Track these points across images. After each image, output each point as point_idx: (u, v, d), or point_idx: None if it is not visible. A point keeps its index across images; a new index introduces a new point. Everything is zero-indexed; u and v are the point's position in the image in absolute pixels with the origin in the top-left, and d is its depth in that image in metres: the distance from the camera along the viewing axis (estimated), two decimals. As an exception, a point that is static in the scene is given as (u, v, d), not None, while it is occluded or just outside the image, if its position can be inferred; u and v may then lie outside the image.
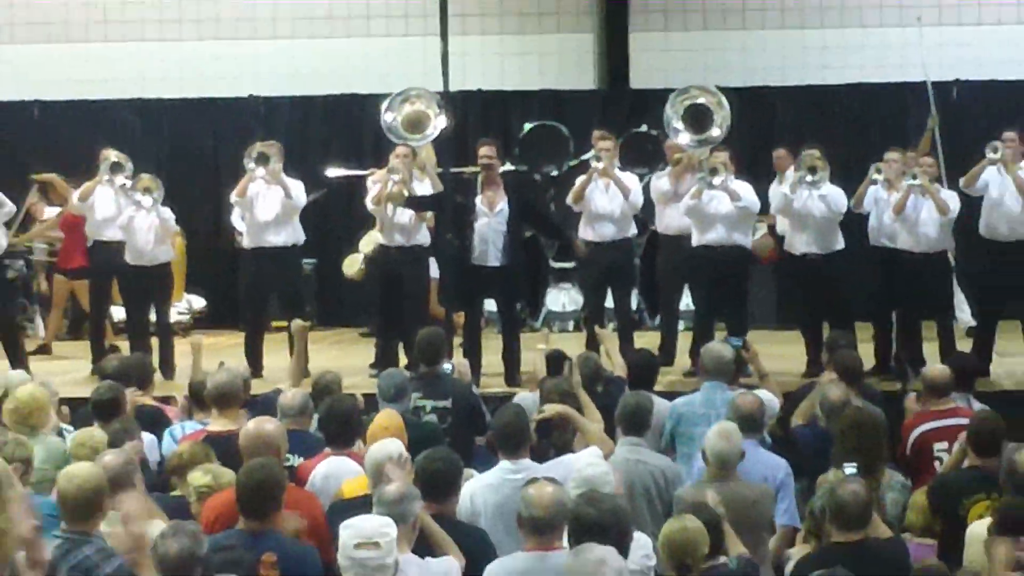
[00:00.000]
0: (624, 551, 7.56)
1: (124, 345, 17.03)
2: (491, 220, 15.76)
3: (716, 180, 15.62)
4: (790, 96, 20.69)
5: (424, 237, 16.30)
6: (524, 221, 16.19)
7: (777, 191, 16.51)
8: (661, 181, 16.69)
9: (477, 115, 20.38)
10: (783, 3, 21.15)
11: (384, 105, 15.96)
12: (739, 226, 15.80)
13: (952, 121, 18.83)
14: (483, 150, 16.11)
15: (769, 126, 20.23)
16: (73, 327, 20.05)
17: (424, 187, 16.19)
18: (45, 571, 6.58)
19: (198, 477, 9.63)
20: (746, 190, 15.82)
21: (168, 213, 16.66)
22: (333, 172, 19.45)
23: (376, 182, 16.22)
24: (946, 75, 20.10)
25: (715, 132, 16.06)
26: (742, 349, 13.08)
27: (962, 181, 15.93)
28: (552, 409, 11.00)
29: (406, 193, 15.64)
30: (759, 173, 17.09)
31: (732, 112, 16.04)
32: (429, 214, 16.18)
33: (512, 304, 16.50)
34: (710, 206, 15.72)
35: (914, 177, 15.54)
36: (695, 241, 15.92)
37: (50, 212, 19.70)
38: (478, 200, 15.74)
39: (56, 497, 8.33)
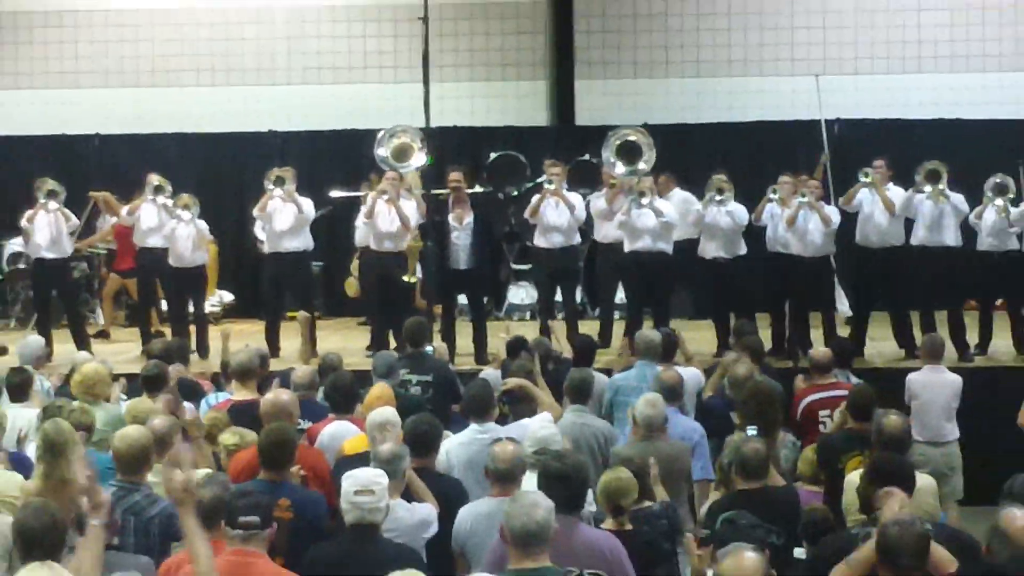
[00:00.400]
0: (582, 497, 7.61)
1: (167, 331, 16.99)
2: (460, 232, 15.89)
3: (644, 200, 15.64)
4: (704, 131, 20.58)
5: (405, 244, 16.21)
6: (487, 235, 16.27)
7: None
8: (599, 201, 16.72)
9: (452, 146, 20.26)
10: (699, 55, 21.09)
11: (377, 139, 15.95)
12: (662, 236, 15.76)
13: (833, 151, 18.89)
14: (452, 175, 16.26)
15: (687, 155, 20.21)
16: (128, 317, 20.00)
17: (410, 205, 16.16)
18: (107, 512, 6.59)
19: (227, 438, 9.67)
20: (668, 208, 15.84)
21: (203, 225, 16.65)
22: (336, 193, 19.36)
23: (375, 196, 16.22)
24: (829, 115, 20.18)
25: (642, 165, 16.06)
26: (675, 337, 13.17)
27: (841, 200, 16.07)
28: (513, 382, 11.04)
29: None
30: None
31: (657, 144, 16.08)
32: (413, 225, 16.23)
33: (479, 298, 16.54)
34: (639, 221, 15.70)
35: (803, 196, 15.62)
36: (627, 248, 15.91)
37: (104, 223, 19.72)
38: (450, 216, 15.83)
39: (112, 453, 8.35)
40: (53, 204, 16.49)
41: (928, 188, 15.28)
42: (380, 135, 15.93)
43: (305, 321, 15.84)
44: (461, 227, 15.94)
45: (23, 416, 10.61)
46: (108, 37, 21.47)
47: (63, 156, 20.89)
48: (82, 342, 16.44)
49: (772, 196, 15.98)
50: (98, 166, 20.81)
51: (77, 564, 6.19)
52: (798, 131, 20.21)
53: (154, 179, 16.99)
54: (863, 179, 15.73)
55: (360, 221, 16.76)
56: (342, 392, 10.54)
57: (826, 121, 19.48)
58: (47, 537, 6.52)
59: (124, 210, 17.97)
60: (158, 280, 17.17)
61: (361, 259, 17.62)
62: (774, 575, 5.86)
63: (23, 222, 16.71)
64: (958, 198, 15.47)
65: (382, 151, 15.84)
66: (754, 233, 16.13)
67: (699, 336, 15.89)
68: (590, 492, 8.44)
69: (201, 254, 16.78)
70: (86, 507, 6.46)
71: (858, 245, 16.01)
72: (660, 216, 15.68)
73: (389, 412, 9.40)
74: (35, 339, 13.71)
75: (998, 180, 15.43)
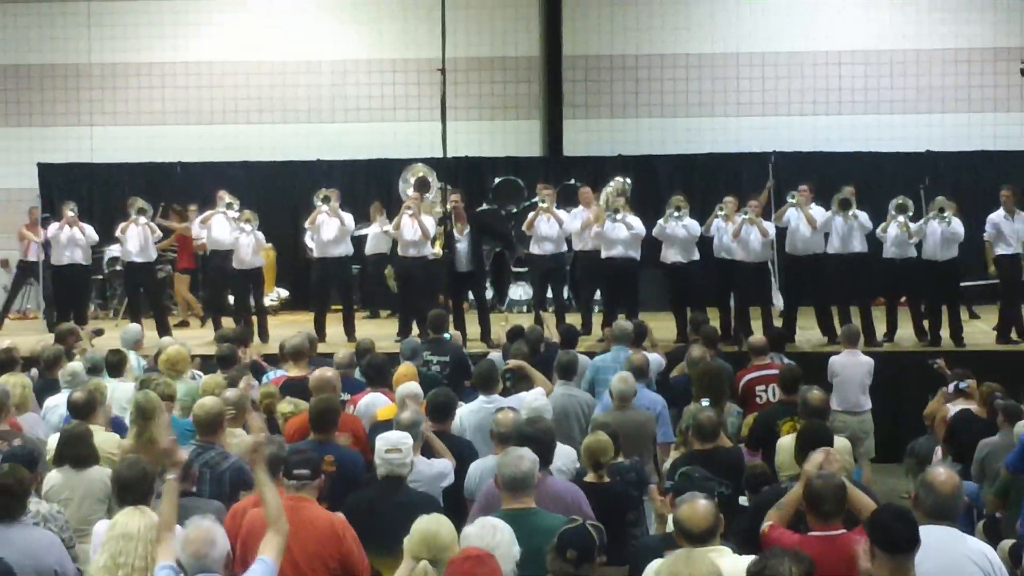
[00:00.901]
0: (550, 454, 7.58)
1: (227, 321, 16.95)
2: (461, 242, 15.95)
3: (618, 216, 15.69)
4: (668, 161, 20.43)
5: (428, 250, 16.22)
6: (481, 232, 16.30)
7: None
8: (575, 222, 16.62)
9: (464, 172, 20.30)
10: (663, 100, 21.00)
11: (401, 174, 15.99)
12: (632, 245, 15.85)
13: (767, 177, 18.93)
14: (453, 196, 16.29)
15: (654, 180, 20.22)
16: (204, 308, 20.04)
17: (428, 220, 16.22)
18: (183, 469, 6.60)
19: (284, 406, 9.71)
20: (637, 222, 15.85)
21: (260, 235, 16.65)
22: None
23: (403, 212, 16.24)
24: (768, 147, 20.20)
25: (621, 200, 16.23)
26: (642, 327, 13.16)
27: (773, 217, 16.06)
28: (514, 363, 11.06)
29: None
30: (647, 210, 17.08)
31: (629, 171, 15.99)
32: (432, 234, 16.25)
33: (481, 294, 16.58)
34: (613, 233, 15.77)
35: (746, 212, 15.64)
36: (603, 255, 15.98)
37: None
38: (453, 229, 15.89)
39: (192, 419, 8.36)
40: (142, 219, 16.55)
41: (839, 215, 15.34)
42: (403, 171, 16.06)
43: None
44: (462, 237, 16.01)
45: (120, 388, 10.66)
46: (188, 84, 21.42)
47: (151, 180, 20.84)
48: (165, 329, 16.43)
49: (719, 212, 16.00)
50: (179, 188, 20.80)
51: (160, 510, 6.21)
52: (743, 161, 20.24)
53: (225, 196, 17.03)
54: (790, 200, 15.78)
55: (371, 231, 16.88)
56: (376, 369, 10.60)
57: (756, 153, 19.56)
58: (138, 486, 6.54)
59: (197, 220, 18.02)
60: (224, 279, 17.17)
61: (393, 263, 17.63)
62: (721, 519, 5.84)
63: (118, 232, 16.77)
64: (864, 216, 15.51)
65: (402, 184, 15.93)
66: (704, 242, 16.15)
67: (662, 326, 15.89)
68: (574, 453, 8.47)
69: (259, 258, 16.77)
70: (167, 463, 6.47)
71: (787, 253, 16.04)
72: (630, 229, 15.71)
73: (414, 386, 9.44)
74: (134, 327, 13.73)
75: (899, 201, 15.45)
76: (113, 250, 18.86)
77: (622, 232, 15.70)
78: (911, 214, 15.43)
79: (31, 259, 18.75)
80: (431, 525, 5.67)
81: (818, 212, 15.74)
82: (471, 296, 16.86)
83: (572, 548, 5.58)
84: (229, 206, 16.78)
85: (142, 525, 6.16)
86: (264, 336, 16.30)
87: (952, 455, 10.62)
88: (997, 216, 15.81)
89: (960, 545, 5.90)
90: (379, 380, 10.42)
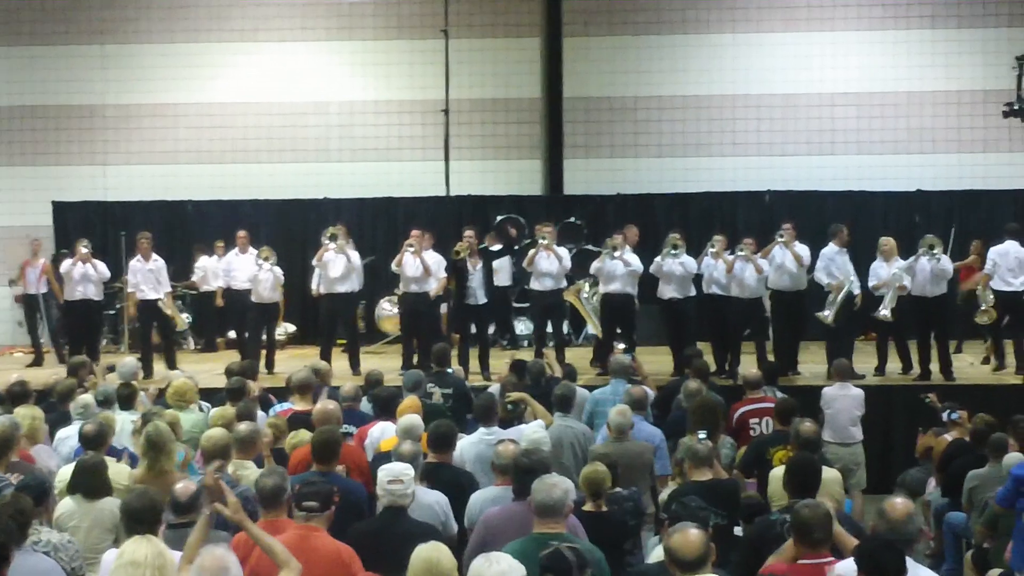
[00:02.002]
0: None
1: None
2: (473, 276, 15.98)
3: (616, 253, 15.75)
4: (665, 200, 20.48)
5: (429, 286, 16.25)
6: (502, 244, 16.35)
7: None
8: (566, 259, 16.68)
9: (468, 210, 20.38)
10: (660, 140, 21.05)
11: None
12: (629, 281, 15.92)
13: (765, 215, 19.02)
14: (467, 233, 16.37)
15: (652, 219, 20.27)
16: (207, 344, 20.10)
17: (431, 257, 16.30)
18: (192, 499, 6.64)
19: (290, 438, 9.72)
20: (634, 259, 15.92)
21: (279, 271, 16.80)
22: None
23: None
24: (763, 187, 20.28)
25: (619, 239, 16.23)
26: (633, 361, 13.16)
27: (760, 253, 16.00)
28: (515, 395, 11.08)
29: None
30: (645, 247, 17.10)
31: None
32: (433, 270, 16.29)
33: (486, 327, 16.56)
34: (609, 269, 15.89)
35: (741, 250, 15.68)
36: (601, 290, 16.03)
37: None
38: (468, 263, 15.93)
39: (199, 450, 8.39)
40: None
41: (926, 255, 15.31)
42: None
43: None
44: (474, 271, 16.04)
45: (130, 421, 10.68)
46: (200, 124, 21.49)
47: (164, 217, 21.00)
48: (172, 363, 16.52)
49: (709, 250, 16.05)
50: (191, 226, 20.90)
51: (188, 542, 6.30)
52: (738, 200, 20.34)
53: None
54: (777, 238, 15.81)
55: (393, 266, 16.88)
56: (384, 401, 10.62)
57: (750, 192, 19.60)
58: (146, 515, 6.57)
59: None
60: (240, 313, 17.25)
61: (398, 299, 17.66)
62: (713, 548, 5.86)
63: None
64: (946, 259, 15.49)
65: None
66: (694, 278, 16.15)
67: (659, 360, 15.90)
68: (572, 486, 8.47)
69: (277, 294, 16.94)
70: (207, 501, 6.54)
71: (772, 289, 15.91)
72: (628, 266, 15.76)
73: (415, 419, 9.44)
74: (130, 360, 13.68)
75: (929, 241, 15.38)
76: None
77: (619, 268, 15.77)
78: (937, 252, 15.34)
79: (31, 292, 18.70)
80: (432, 553, 5.68)
81: (802, 249, 15.77)
82: (473, 329, 16.86)
83: (551, 572, 5.64)
84: (333, 237, 16.60)
85: (149, 553, 6.17)
86: (270, 367, 16.43)
87: (945, 485, 10.64)
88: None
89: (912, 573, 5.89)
90: (388, 410, 10.46)
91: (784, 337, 15.94)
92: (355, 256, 16.52)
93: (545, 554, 5.73)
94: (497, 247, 17.10)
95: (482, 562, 5.47)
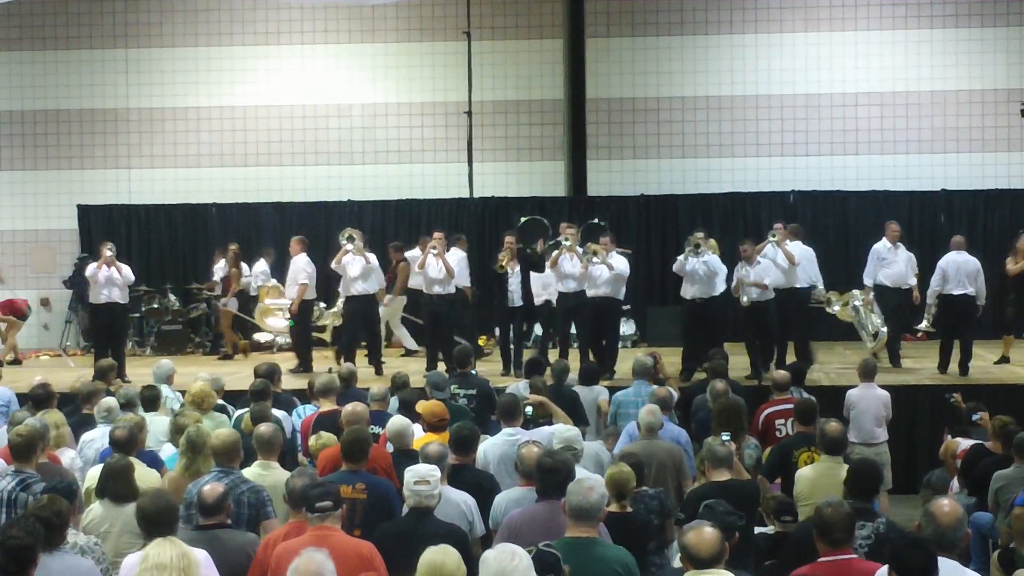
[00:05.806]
0: (566, 485, 7.53)
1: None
2: (513, 278, 16.10)
3: (596, 259, 15.80)
4: (688, 200, 20.56)
5: (451, 288, 16.30)
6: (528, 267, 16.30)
7: None
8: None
9: (491, 212, 20.41)
10: (683, 141, 21.03)
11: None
12: (614, 286, 15.91)
13: (789, 216, 18.99)
14: (508, 238, 16.47)
15: (675, 219, 20.27)
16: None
17: (452, 256, 16.39)
18: (218, 501, 6.67)
19: (315, 440, 9.74)
20: (621, 263, 15.98)
21: (372, 256, 16.77)
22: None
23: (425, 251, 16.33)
24: (786, 187, 20.26)
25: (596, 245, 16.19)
26: (657, 362, 13.14)
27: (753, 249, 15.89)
28: (535, 398, 11.08)
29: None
30: (667, 249, 17.08)
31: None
32: (456, 272, 16.32)
33: (521, 328, 16.54)
34: (596, 273, 15.88)
35: (773, 236, 15.95)
36: (588, 295, 15.96)
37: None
38: (507, 267, 16.01)
39: (211, 449, 8.45)
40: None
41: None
42: None
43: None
44: (513, 275, 16.11)
45: (155, 423, 10.72)
46: (223, 127, 21.60)
47: (187, 220, 21.14)
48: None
49: (771, 239, 16.06)
50: (215, 229, 20.98)
51: None
52: (761, 201, 20.31)
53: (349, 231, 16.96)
54: (769, 237, 16.01)
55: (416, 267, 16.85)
56: (411, 403, 10.73)
57: (773, 193, 19.55)
58: (163, 517, 6.60)
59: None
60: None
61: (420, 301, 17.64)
62: (727, 546, 5.87)
63: None
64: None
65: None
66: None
67: (667, 360, 15.80)
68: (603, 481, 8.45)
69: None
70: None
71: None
72: (612, 269, 15.74)
73: (404, 424, 9.51)
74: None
75: None
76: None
77: (604, 273, 15.77)
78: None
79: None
80: (437, 556, 5.63)
81: (795, 247, 15.99)
82: (500, 330, 16.84)
83: (551, 572, 5.65)
84: (350, 238, 16.61)
85: (174, 555, 6.20)
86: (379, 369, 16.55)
87: (967, 488, 10.58)
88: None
89: None
90: (413, 414, 10.46)
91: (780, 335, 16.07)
92: (372, 257, 16.56)
93: (533, 556, 5.68)
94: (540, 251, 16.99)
95: (503, 555, 5.44)
